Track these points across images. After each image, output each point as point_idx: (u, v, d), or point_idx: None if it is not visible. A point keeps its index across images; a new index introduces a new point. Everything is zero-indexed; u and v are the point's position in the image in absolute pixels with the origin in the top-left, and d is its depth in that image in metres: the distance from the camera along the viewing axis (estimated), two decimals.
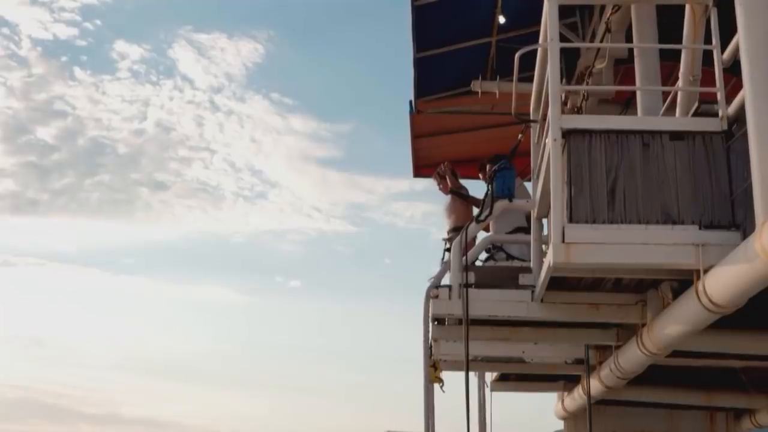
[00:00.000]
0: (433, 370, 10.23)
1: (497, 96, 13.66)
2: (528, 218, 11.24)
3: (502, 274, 9.77)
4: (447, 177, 12.52)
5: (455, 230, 11.86)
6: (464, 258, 9.42)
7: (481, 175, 12.48)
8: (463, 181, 13.18)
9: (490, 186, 9.92)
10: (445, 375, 10.39)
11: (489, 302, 9.20)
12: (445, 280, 9.65)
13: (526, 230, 11.05)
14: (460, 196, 12.46)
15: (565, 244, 7.05)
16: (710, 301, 6.61)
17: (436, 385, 10.37)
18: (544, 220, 9.50)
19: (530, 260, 9.87)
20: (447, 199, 12.60)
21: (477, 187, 12.95)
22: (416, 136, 15.86)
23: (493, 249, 11.37)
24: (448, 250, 11.61)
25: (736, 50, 6.86)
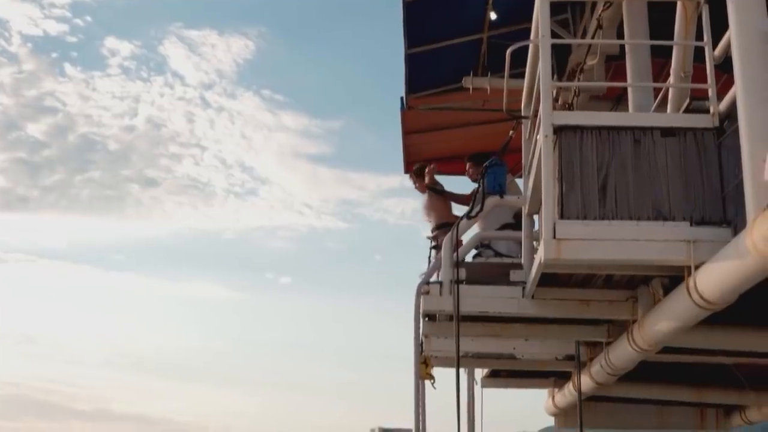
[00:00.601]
0: (424, 367, 10.23)
1: (488, 92, 13.64)
2: (515, 216, 11.24)
3: (492, 271, 9.76)
4: (428, 174, 12.43)
5: (439, 228, 11.86)
6: (455, 254, 9.42)
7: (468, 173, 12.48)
8: (450, 178, 13.20)
9: (481, 182, 9.91)
10: (435, 371, 10.40)
11: (480, 298, 9.21)
12: (436, 277, 9.65)
13: (513, 227, 11.05)
14: (436, 192, 12.41)
15: (556, 240, 7.05)
16: (701, 297, 6.61)
17: (428, 382, 10.37)
18: (535, 217, 9.51)
19: (518, 257, 9.87)
20: (424, 197, 12.54)
21: (458, 184, 12.97)
22: (407, 133, 15.86)
23: (481, 247, 11.36)
24: (435, 247, 11.62)
25: (728, 47, 6.87)
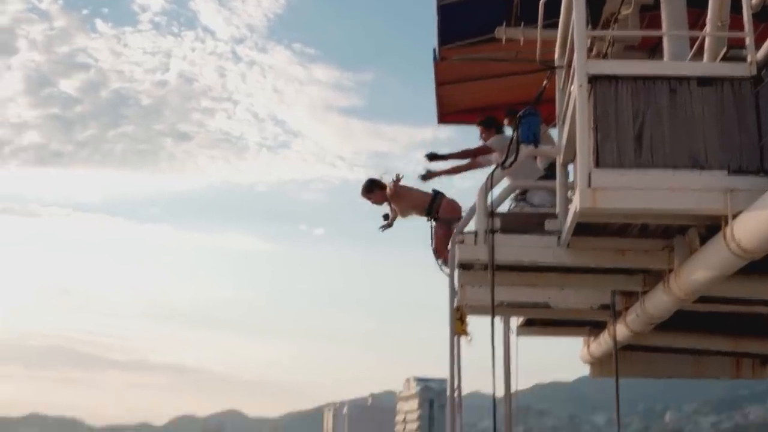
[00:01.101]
0: (460, 323, 10.22)
1: (522, 43, 13.59)
2: (548, 168, 11.23)
3: (527, 220, 9.78)
4: (394, 184, 11.97)
5: (429, 211, 11.64)
6: (489, 203, 9.43)
7: (484, 136, 12.45)
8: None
9: (515, 132, 9.91)
10: (471, 320, 10.40)
11: (515, 247, 9.21)
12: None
13: (546, 180, 11.01)
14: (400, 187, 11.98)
15: (591, 189, 7.07)
16: (738, 246, 6.62)
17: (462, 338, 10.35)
18: (570, 168, 9.50)
19: (553, 208, 9.86)
20: (391, 205, 12.15)
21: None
22: (440, 84, 15.83)
23: (516, 200, 11.36)
24: (436, 219, 11.47)
25: None
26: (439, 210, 11.40)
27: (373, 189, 12.01)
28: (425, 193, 11.66)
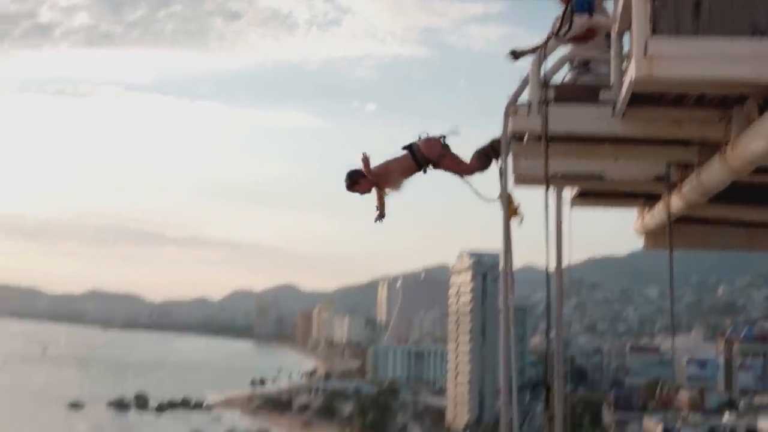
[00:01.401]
0: (511, 205, 10.14)
1: None
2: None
3: (582, 91, 9.65)
4: (364, 163, 11.47)
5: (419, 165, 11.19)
6: (543, 74, 9.32)
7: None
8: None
9: (569, 2, 9.75)
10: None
11: (568, 118, 9.13)
12: None
13: None
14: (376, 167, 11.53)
15: (647, 57, 6.95)
16: None
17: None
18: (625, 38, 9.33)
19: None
20: (376, 190, 11.68)
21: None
22: None
23: (578, 70, 11.17)
24: (431, 164, 11.07)
25: None
26: (425, 157, 10.96)
27: (356, 180, 11.49)
28: (403, 156, 11.19)
